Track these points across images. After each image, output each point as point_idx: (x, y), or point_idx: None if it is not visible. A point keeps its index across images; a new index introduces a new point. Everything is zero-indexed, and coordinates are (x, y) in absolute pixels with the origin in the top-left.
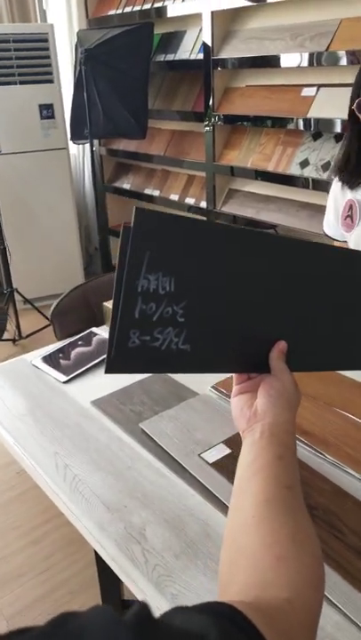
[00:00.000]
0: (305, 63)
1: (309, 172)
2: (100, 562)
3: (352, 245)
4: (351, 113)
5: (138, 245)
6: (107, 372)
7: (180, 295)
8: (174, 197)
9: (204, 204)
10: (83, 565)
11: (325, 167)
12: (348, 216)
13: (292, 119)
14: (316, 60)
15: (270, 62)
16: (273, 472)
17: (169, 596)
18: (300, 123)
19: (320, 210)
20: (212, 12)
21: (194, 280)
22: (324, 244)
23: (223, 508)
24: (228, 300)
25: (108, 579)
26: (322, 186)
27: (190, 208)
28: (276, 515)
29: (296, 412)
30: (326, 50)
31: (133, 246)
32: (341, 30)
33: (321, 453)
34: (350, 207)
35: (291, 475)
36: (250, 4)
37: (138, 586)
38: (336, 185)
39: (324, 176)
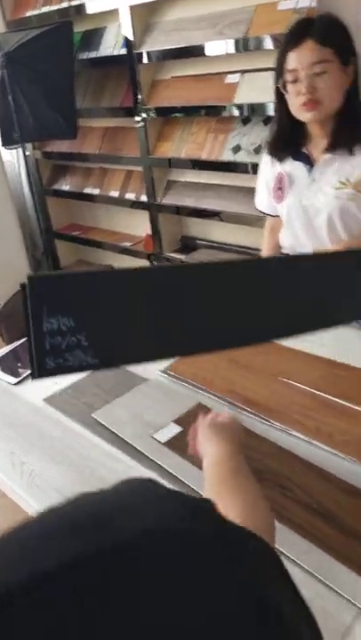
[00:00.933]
0: (226, 50)
1: (242, 157)
2: None
3: (285, 215)
4: (277, 91)
5: (35, 302)
6: (33, 379)
7: (80, 327)
8: (114, 194)
9: (144, 198)
10: None
11: (257, 150)
12: (279, 188)
13: (220, 106)
14: (235, 47)
15: (192, 52)
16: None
17: None
18: (228, 109)
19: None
20: (130, 7)
21: (92, 313)
22: (219, 263)
23: (178, 483)
24: (132, 319)
25: None
26: (255, 169)
27: (133, 204)
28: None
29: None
30: (245, 36)
31: (32, 303)
32: (257, 16)
33: (267, 420)
34: (280, 179)
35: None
36: None
37: None
38: (265, 161)
39: (257, 159)
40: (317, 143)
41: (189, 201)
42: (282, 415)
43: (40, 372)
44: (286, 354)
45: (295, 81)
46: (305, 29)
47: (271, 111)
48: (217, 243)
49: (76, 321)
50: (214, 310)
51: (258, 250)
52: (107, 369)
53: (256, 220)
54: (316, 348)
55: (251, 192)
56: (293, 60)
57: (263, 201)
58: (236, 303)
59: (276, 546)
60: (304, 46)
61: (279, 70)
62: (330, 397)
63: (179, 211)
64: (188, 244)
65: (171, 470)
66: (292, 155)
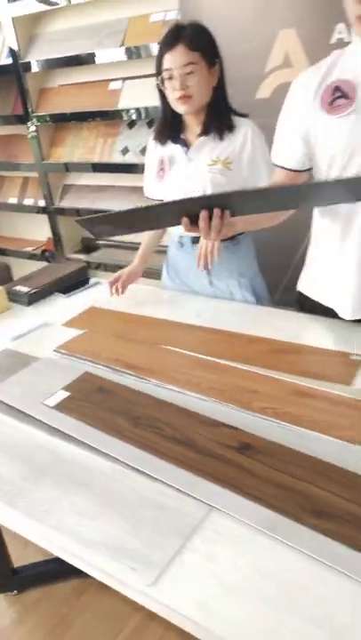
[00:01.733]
0: (108, 59)
1: (131, 158)
2: None
3: (167, 191)
4: (159, 87)
5: (88, 228)
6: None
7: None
8: (13, 200)
9: (42, 203)
10: None
11: (144, 151)
12: (162, 169)
13: (106, 111)
14: (116, 55)
15: (77, 61)
16: None
17: (22, 507)
18: (113, 114)
19: None
20: (13, 19)
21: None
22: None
23: (69, 438)
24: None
25: None
26: (141, 168)
27: (32, 209)
28: None
29: None
30: (122, 44)
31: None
32: (131, 27)
33: (147, 380)
34: (162, 161)
35: None
36: (47, 7)
37: None
38: (149, 150)
39: (144, 159)
40: (193, 130)
41: (86, 203)
42: (159, 374)
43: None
44: (167, 326)
45: (170, 78)
46: (177, 35)
47: (153, 114)
48: (116, 242)
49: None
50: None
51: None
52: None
53: None
54: (193, 319)
55: (141, 190)
56: (168, 60)
57: (149, 186)
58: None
59: (150, 474)
60: (176, 50)
61: (158, 69)
62: (201, 356)
63: (79, 213)
64: (89, 245)
65: (61, 428)
66: (172, 139)
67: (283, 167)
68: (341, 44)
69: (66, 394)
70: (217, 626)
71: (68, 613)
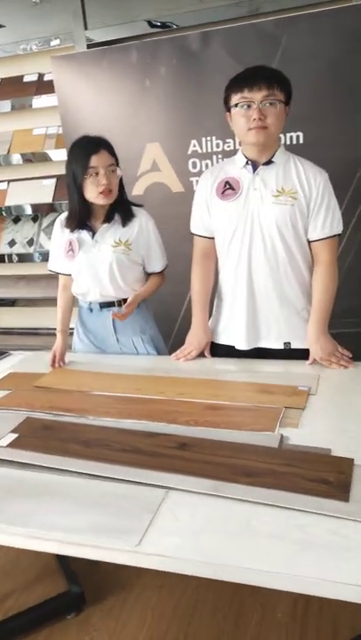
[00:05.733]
0: None
1: (18, 249)
2: None
3: (76, 272)
4: (75, 183)
5: None
6: None
7: None
8: None
9: None
10: None
11: (30, 243)
12: (71, 249)
13: None
14: (3, 162)
15: None
16: None
17: (3, 519)
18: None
19: (34, 278)
20: None
21: None
22: None
23: (28, 467)
24: None
25: None
26: (29, 258)
27: None
28: None
29: None
30: (8, 153)
31: None
32: (16, 138)
33: (84, 417)
34: (71, 243)
35: None
36: None
37: None
38: (57, 231)
39: (31, 250)
40: (98, 218)
41: None
42: (93, 411)
43: None
44: (90, 376)
45: (96, 175)
46: (100, 143)
47: (35, 210)
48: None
49: None
50: None
51: (42, 328)
52: None
53: (38, 302)
54: (110, 369)
55: (28, 278)
56: (94, 161)
57: (56, 262)
58: None
59: (112, 476)
60: (101, 153)
61: (85, 168)
62: (126, 395)
63: None
64: None
65: (24, 461)
66: (79, 226)
67: (200, 235)
68: (196, 154)
69: (14, 435)
70: (196, 557)
71: None
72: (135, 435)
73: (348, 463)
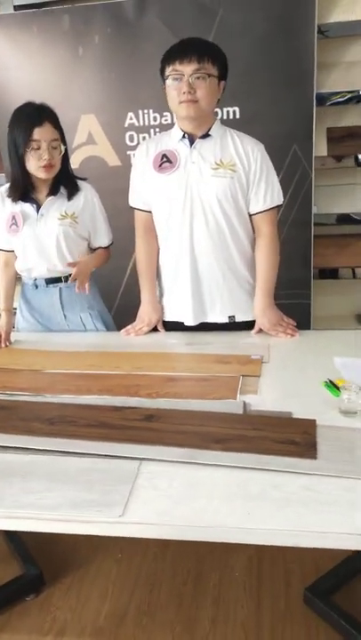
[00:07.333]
0: None
1: None
2: None
3: (20, 247)
4: (17, 154)
5: None
6: None
7: None
8: None
9: None
10: None
11: None
12: (13, 223)
13: None
14: None
15: None
16: None
17: None
18: None
19: None
20: None
21: None
22: None
23: None
24: None
25: None
26: None
27: None
28: None
29: None
30: None
31: None
32: None
33: (42, 395)
34: (14, 217)
35: None
36: None
37: None
38: None
39: None
40: (41, 191)
41: None
42: (49, 389)
43: None
44: (39, 354)
45: (38, 149)
46: (43, 114)
47: None
48: None
49: None
50: None
51: None
52: None
53: None
54: (60, 347)
55: None
56: (37, 134)
57: (1, 238)
58: None
59: (82, 451)
60: (45, 126)
61: (26, 141)
62: (81, 371)
63: None
64: None
65: None
66: (22, 198)
67: (139, 209)
68: (133, 127)
69: None
70: (183, 522)
71: None
72: (99, 409)
73: (311, 424)
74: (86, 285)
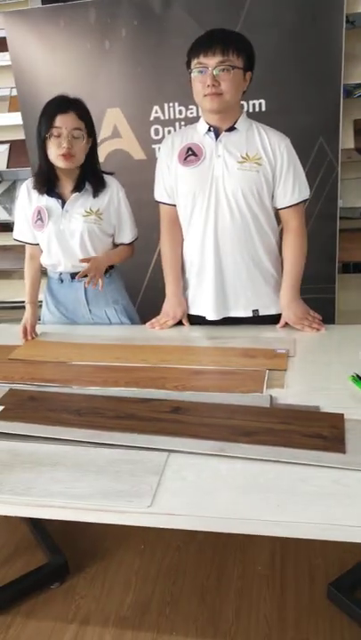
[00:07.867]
0: None
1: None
2: None
3: (45, 242)
4: (41, 143)
5: None
6: None
7: None
8: None
9: None
10: None
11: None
12: (39, 219)
13: None
14: None
15: None
16: None
17: (5, 491)
18: None
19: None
20: None
21: None
22: None
23: (21, 439)
24: None
25: None
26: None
27: None
28: None
29: None
30: None
31: None
32: None
33: (68, 387)
34: (39, 211)
35: None
36: None
37: None
38: (22, 198)
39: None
40: (65, 186)
41: None
42: (76, 381)
43: None
44: (66, 347)
45: (59, 136)
46: (69, 103)
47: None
48: None
49: None
50: None
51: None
52: None
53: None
54: (89, 340)
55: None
56: (59, 121)
57: (23, 231)
58: None
59: (111, 442)
60: (69, 115)
61: (48, 127)
62: (109, 363)
63: None
64: None
65: (17, 432)
66: (48, 193)
67: (164, 203)
68: (158, 121)
69: (0, 407)
70: (212, 513)
71: None
72: (127, 401)
73: (340, 418)
74: (99, 282)
